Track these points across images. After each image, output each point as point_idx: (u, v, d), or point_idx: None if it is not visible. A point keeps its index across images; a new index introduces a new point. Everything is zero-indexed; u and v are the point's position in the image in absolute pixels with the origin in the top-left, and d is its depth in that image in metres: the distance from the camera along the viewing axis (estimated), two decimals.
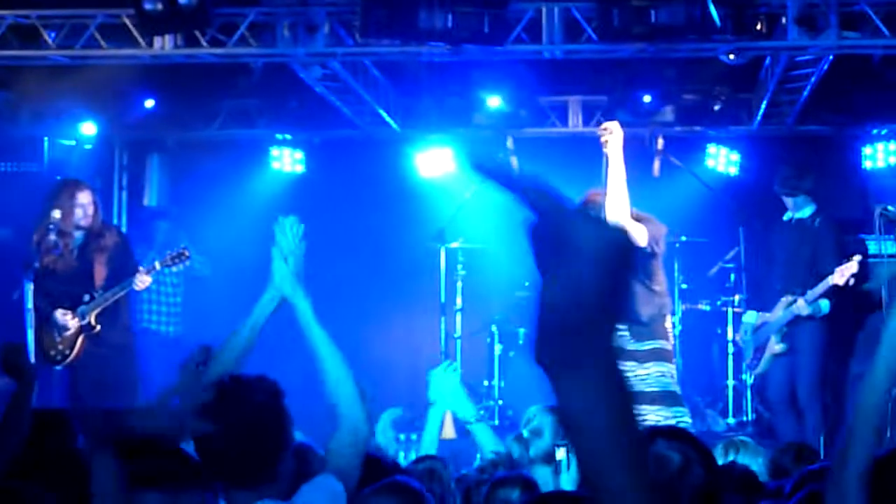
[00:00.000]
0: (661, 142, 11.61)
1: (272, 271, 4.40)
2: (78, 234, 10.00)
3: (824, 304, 10.24)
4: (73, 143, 12.53)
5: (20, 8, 10.28)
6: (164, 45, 10.25)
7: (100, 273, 9.94)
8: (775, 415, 10.73)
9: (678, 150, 12.19)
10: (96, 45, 10.29)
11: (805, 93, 11.75)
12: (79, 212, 9.95)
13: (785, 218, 10.67)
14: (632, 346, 8.73)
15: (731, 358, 12.01)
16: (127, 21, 10.06)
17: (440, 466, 5.50)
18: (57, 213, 9.60)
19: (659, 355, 8.82)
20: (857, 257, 10.20)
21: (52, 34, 10.37)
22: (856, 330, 10.39)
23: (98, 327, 9.78)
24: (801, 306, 10.24)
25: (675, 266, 11.95)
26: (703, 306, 12.27)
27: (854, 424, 3.08)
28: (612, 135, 8.66)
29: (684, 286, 12.11)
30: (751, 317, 10.85)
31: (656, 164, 11.08)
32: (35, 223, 9.91)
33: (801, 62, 11.24)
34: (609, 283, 1.55)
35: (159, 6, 9.41)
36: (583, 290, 1.53)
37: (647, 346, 8.80)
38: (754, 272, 11.79)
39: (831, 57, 10.41)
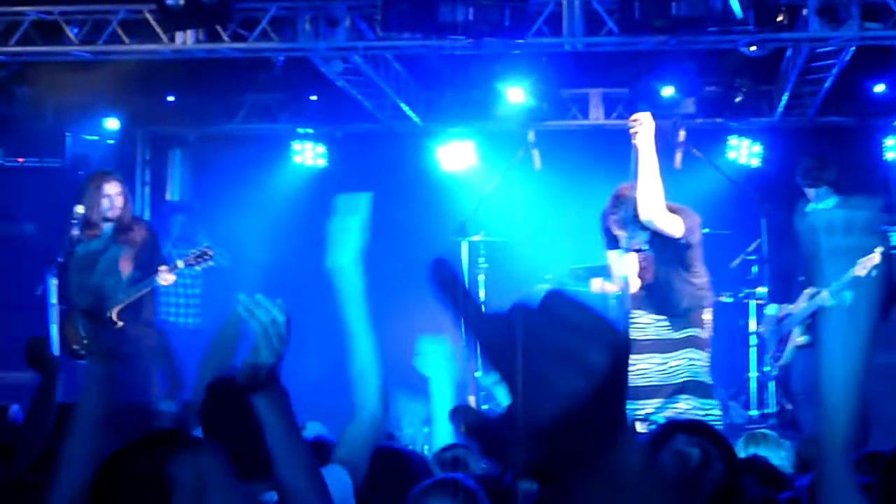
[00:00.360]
0: (682, 134, 11.57)
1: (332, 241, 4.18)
2: (106, 227, 9.78)
3: (848, 296, 10.15)
4: (95, 138, 12.59)
5: (43, 4, 10.31)
6: (185, 39, 10.28)
7: (125, 267, 9.80)
8: (798, 406, 10.68)
9: (700, 142, 12.17)
10: (118, 41, 10.33)
11: (826, 84, 11.72)
12: (105, 202, 9.69)
13: (807, 209, 10.62)
14: (666, 334, 8.65)
15: (753, 350, 11.98)
16: (149, 16, 10.09)
17: (467, 454, 5.42)
18: (80, 208, 9.54)
19: (693, 342, 8.66)
20: (880, 248, 10.15)
21: (75, 30, 10.40)
22: (880, 321, 10.32)
23: (120, 323, 9.67)
24: (825, 297, 10.19)
25: None
26: (726, 298, 12.22)
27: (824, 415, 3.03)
28: (643, 126, 8.47)
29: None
30: (772, 309, 10.80)
31: (678, 157, 11.03)
32: (64, 217, 9.79)
33: (822, 53, 11.21)
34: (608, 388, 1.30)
35: (181, 1, 9.44)
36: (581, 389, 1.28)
37: (682, 333, 8.71)
38: (777, 264, 11.75)
39: (853, 48, 10.38)
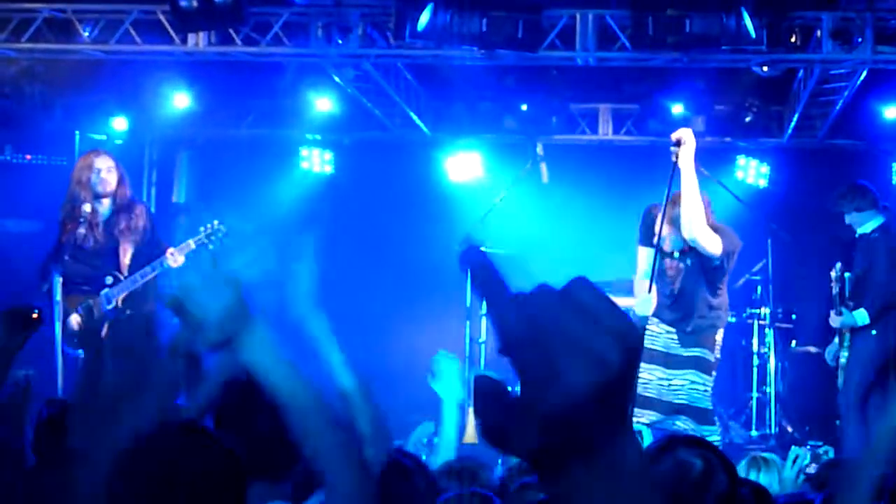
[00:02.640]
0: None
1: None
2: (104, 209, 9.52)
3: (860, 316, 10.02)
4: (103, 137, 12.59)
5: (56, 1, 10.32)
6: (197, 42, 10.28)
7: (125, 252, 9.46)
8: (846, 426, 10.41)
9: (708, 161, 12.14)
10: (131, 41, 10.32)
11: (837, 107, 11.72)
12: (94, 177, 9.42)
13: (856, 235, 10.43)
14: (675, 349, 8.57)
15: (755, 370, 11.97)
16: (162, 17, 10.09)
17: (478, 467, 5.40)
18: (87, 207, 9.37)
19: (699, 364, 8.55)
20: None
21: (88, 28, 10.40)
22: None
23: (128, 311, 9.44)
24: (832, 318, 10.07)
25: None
26: (729, 318, 12.19)
27: (868, 454, 3.02)
28: (685, 145, 8.29)
29: None
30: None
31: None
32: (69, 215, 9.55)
33: (834, 75, 11.21)
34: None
35: (195, 3, 9.45)
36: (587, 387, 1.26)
37: (690, 352, 8.62)
38: (781, 285, 11.71)
39: (865, 71, 10.37)
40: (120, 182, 9.59)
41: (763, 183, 13.06)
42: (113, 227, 9.53)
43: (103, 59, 10.79)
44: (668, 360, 8.52)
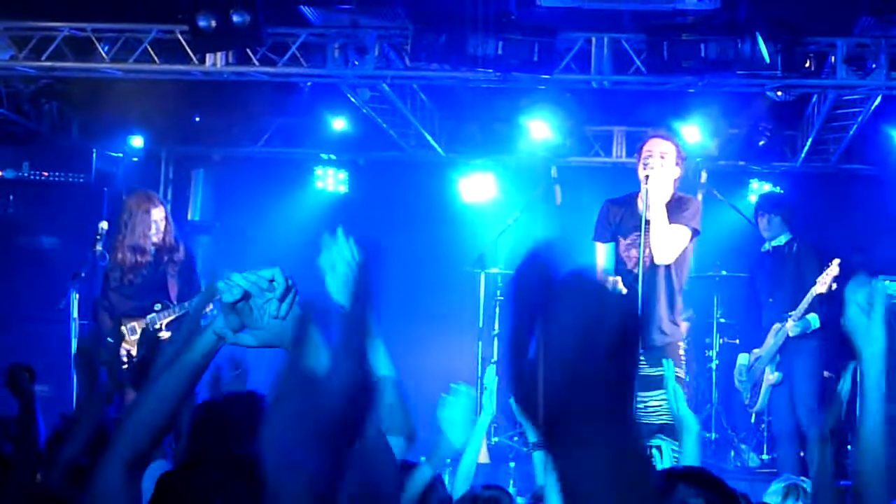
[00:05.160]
0: (704, 175, 11.63)
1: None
2: (151, 251, 9.98)
3: (813, 319, 10.14)
4: (120, 155, 12.66)
5: (76, 20, 10.39)
6: (215, 61, 10.34)
7: (173, 287, 9.90)
8: (782, 447, 10.47)
9: (721, 184, 12.21)
10: (149, 60, 10.39)
11: (851, 131, 11.75)
12: (152, 229, 9.94)
13: (763, 249, 10.61)
14: (646, 371, 8.31)
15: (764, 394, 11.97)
16: (180, 37, 10.16)
17: (506, 498, 5.39)
18: (104, 224, 9.54)
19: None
20: (837, 261, 10.14)
21: (107, 47, 10.47)
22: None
23: (167, 334, 9.65)
24: (791, 326, 10.17)
25: (714, 300, 11.93)
26: (738, 342, 12.21)
27: (863, 470, 3.02)
28: (658, 172, 8.41)
29: (722, 320, 12.06)
30: (744, 358, 10.68)
31: (699, 199, 11.06)
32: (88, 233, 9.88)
33: (847, 101, 11.25)
34: (621, 348, 1.37)
35: (213, 23, 9.50)
36: (596, 350, 1.36)
37: (658, 371, 8.47)
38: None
39: (879, 97, 10.41)
40: (167, 228, 10.08)
41: None
42: (158, 264, 9.98)
43: (121, 78, 10.86)
44: (643, 383, 8.37)
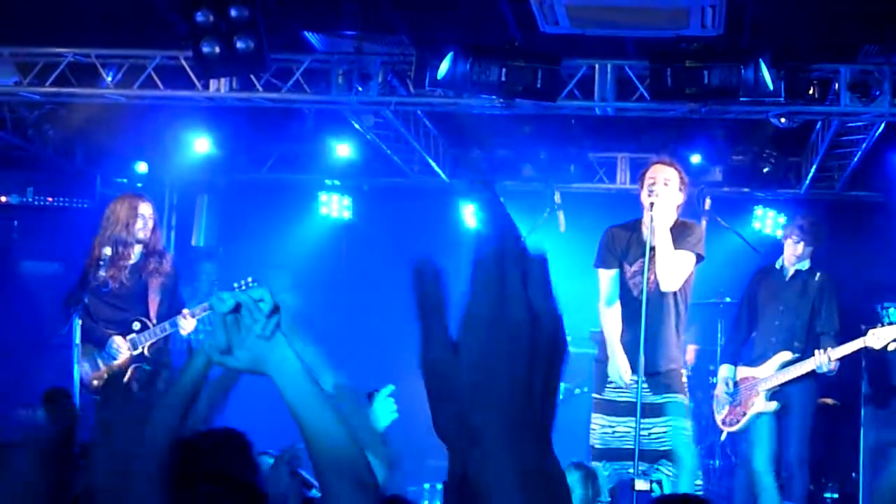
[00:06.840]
0: (708, 202, 11.61)
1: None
2: (136, 252, 9.62)
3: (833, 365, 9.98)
4: (124, 180, 12.68)
5: (80, 46, 10.41)
6: (219, 87, 10.36)
7: (153, 300, 9.57)
8: (746, 475, 10.20)
9: (725, 211, 12.19)
10: (153, 86, 10.41)
11: (855, 159, 11.75)
12: (138, 223, 9.59)
13: (777, 266, 10.34)
14: (649, 398, 8.32)
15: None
16: (184, 63, 10.17)
17: None
18: (108, 251, 9.48)
19: (673, 409, 8.39)
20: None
21: (111, 73, 10.49)
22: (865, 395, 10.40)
23: (148, 356, 9.48)
24: (825, 362, 9.74)
25: (719, 326, 11.90)
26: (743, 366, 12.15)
27: None
28: (663, 199, 8.47)
29: None
30: (729, 371, 10.32)
31: (703, 224, 11.04)
32: (91, 244, 9.63)
33: (851, 128, 11.25)
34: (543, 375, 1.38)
35: (217, 49, 9.52)
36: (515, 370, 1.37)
37: (662, 398, 8.42)
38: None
39: (883, 124, 10.41)
40: (154, 229, 9.79)
41: (780, 234, 13.05)
42: (141, 271, 9.65)
43: (125, 104, 10.88)
44: (648, 410, 8.29)
